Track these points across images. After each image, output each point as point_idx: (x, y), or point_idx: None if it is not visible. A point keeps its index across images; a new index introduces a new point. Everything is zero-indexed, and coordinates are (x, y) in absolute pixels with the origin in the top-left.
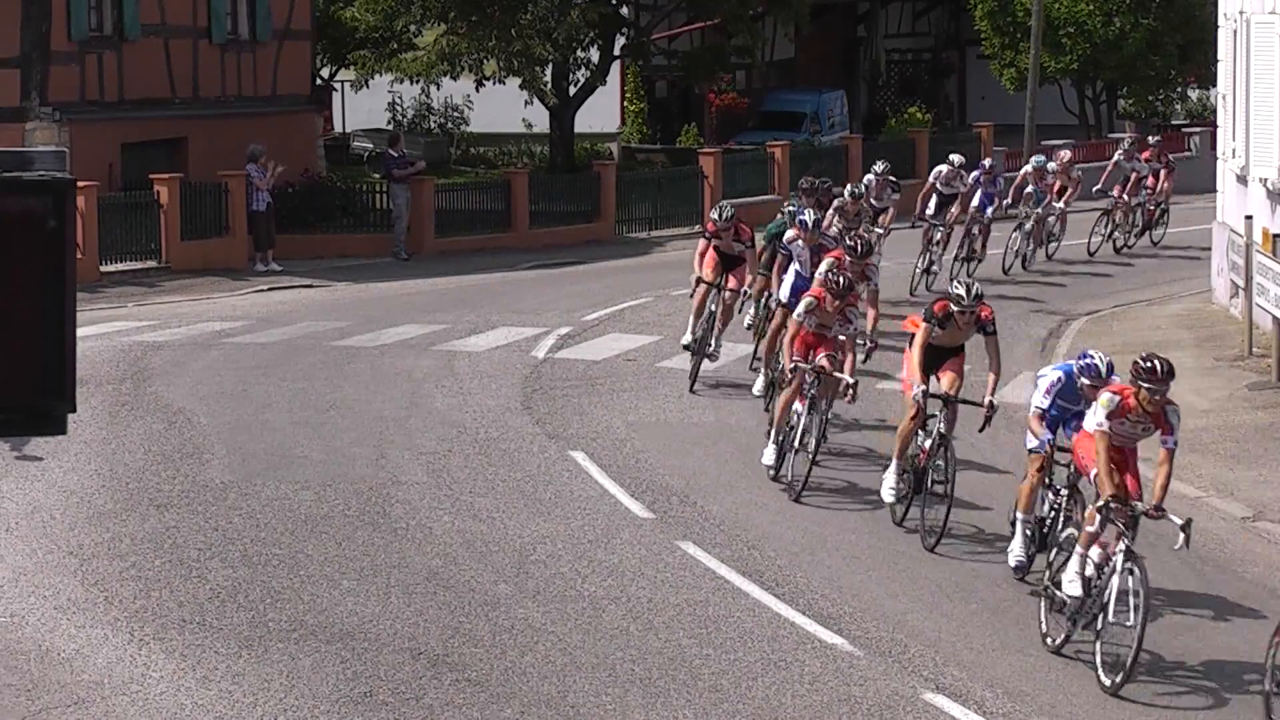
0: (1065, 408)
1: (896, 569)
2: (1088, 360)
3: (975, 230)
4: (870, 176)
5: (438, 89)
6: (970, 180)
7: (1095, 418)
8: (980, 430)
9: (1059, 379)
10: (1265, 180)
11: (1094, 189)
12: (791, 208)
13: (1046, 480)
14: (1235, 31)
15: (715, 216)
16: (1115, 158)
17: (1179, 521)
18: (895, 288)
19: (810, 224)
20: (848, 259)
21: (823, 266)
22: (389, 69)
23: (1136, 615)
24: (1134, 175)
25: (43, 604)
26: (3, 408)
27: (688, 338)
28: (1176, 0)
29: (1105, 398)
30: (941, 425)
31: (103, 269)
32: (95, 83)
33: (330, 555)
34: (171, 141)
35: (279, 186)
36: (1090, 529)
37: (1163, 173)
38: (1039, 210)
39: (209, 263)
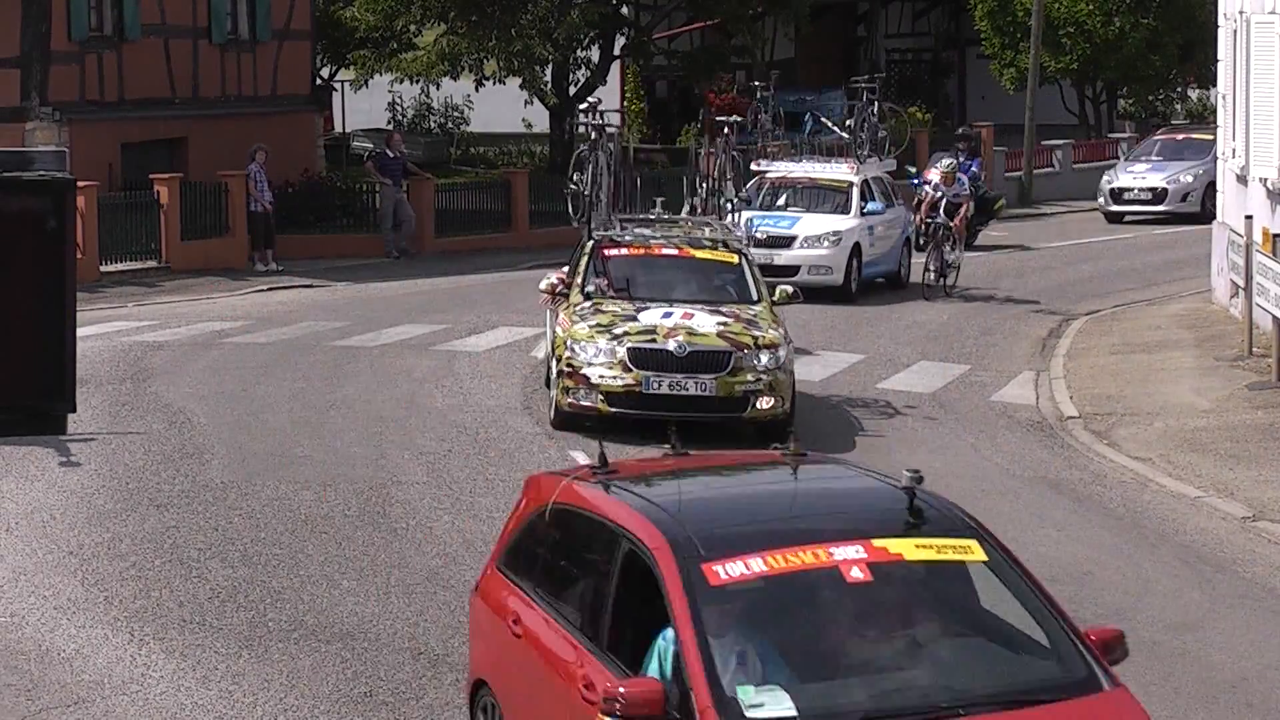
0: None
1: None
2: None
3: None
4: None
5: (438, 89)
6: None
7: None
8: None
9: None
10: (1265, 180)
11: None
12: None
13: None
14: (1235, 31)
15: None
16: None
17: None
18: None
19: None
20: None
21: None
22: (389, 69)
23: None
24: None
25: (43, 604)
26: (3, 408)
27: None
28: (1176, 0)
29: None
30: None
31: (103, 269)
32: (95, 83)
33: (330, 555)
34: (171, 141)
35: (279, 187)
36: None
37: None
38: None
39: (209, 263)
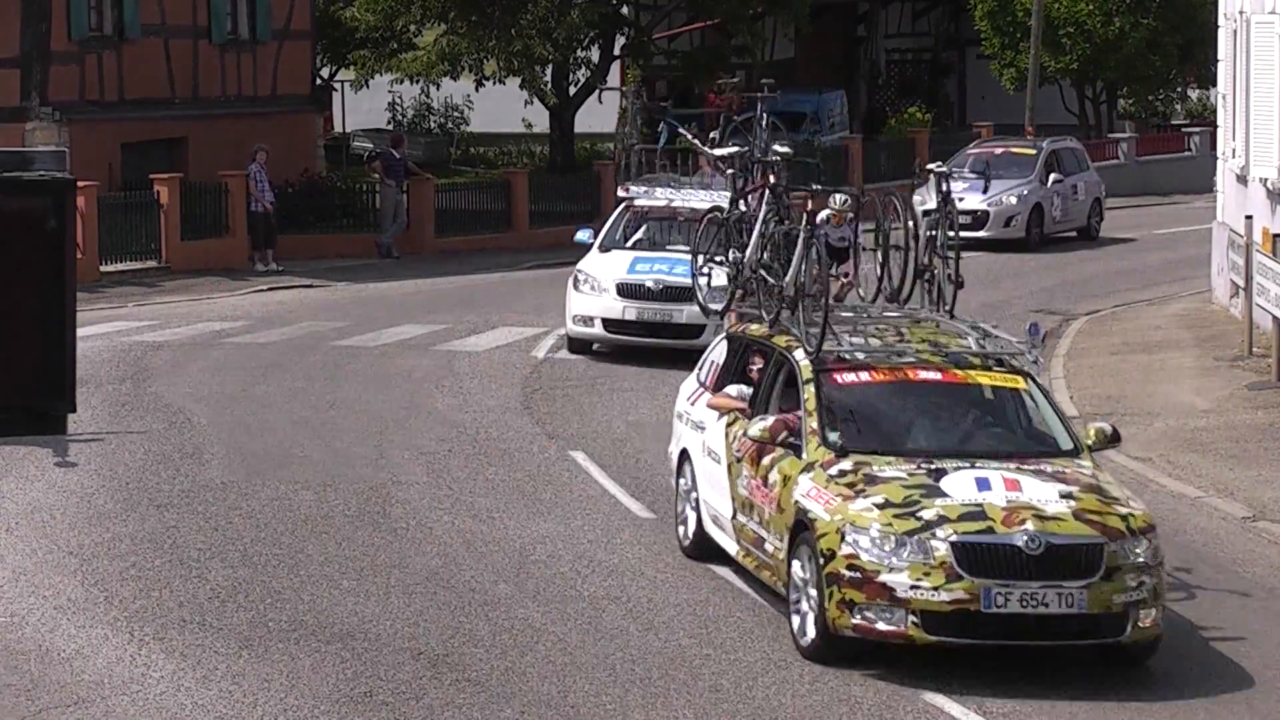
0: None
1: None
2: None
3: None
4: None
5: (438, 89)
6: None
7: None
8: None
9: None
10: (1265, 180)
11: None
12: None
13: None
14: (1235, 31)
15: None
16: None
17: None
18: None
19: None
20: None
21: None
22: (389, 69)
23: None
24: None
25: (43, 604)
26: (3, 408)
27: None
28: (1176, 0)
29: None
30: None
31: (103, 269)
32: (95, 83)
33: (330, 555)
34: (171, 141)
35: (279, 187)
36: None
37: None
38: None
39: (209, 263)
